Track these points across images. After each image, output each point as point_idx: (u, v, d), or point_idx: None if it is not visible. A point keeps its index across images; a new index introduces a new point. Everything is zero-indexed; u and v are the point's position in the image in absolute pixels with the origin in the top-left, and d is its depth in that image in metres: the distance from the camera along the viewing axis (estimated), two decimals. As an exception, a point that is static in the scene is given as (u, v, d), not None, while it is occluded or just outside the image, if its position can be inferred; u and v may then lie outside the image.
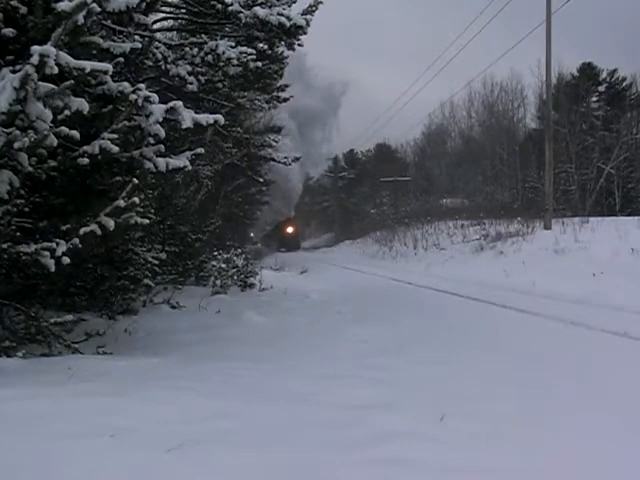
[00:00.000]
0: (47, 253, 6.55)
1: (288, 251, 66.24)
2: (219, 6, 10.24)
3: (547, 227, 24.07)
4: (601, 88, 48.27)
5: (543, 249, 20.60)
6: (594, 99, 47.97)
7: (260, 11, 10.10)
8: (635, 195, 42.56)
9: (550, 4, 24.17)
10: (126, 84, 7.31)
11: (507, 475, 3.93)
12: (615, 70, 47.46)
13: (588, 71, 47.02)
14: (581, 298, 13.25)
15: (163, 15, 11.54)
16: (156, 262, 12.11)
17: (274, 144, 23.55)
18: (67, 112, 6.46)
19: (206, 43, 10.42)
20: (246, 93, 15.16)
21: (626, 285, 13.66)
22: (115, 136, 6.99)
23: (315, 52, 65.37)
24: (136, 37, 9.31)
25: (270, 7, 10.45)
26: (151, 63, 10.18)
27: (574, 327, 10.00)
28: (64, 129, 6.54)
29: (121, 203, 6.80)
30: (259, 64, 10.60)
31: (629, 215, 30.64)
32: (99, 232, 6.73)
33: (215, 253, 17.80)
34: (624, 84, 47.28)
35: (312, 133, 74.31)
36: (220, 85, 11.80)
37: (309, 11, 11.02)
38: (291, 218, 78.67)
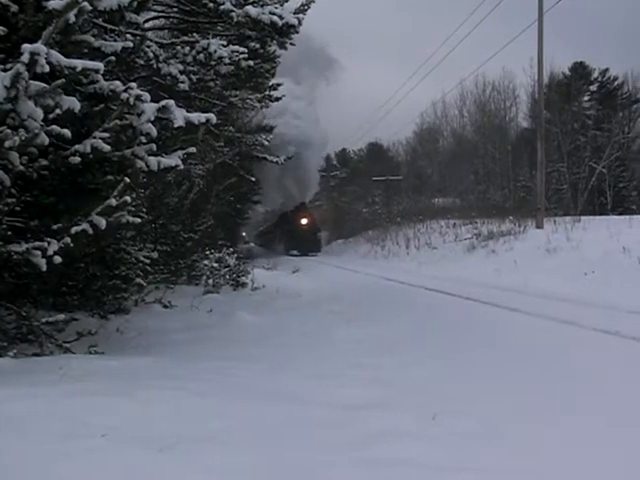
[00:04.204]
0: (38, 252, 6.53)
1: (303, 255, 48.31)
2: (211, 5, 10.21)
3: (539, 226, 24.09)
4: (593, 87, 48.58)
5: (535, 248, 20.63)
6: (586, 98, 48.25)
7: (252, 10, 10.08)
8: (626, 194, 42.81)
9: (542, 3, 24.23)
10: (118, 83, 7.29)
11: (502, 474, 3.93)
12: (607, 69, 47.81)
13: (580, 70, 47.31)
14: (573, 297, 13.29)
15: (155, 14, 11.49)
16: (148, 261, 12.07)
17: (266, 143, 23.55)
18: (58, 111, 6.44)
19: (198, 42, 10.39)
20: (238, 92, 15.13)
21: (617, 284, 13.71)
22: (107, 135, 6.97)
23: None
24: (128, 36, 9.26)
25: (262, 6, 10.43)
26: (143, 62, 10.14)
27: (566, 326, 10.02)
28: (55, 128, 6.52)
29: (113, 202, 6.78)
30: (251, 63, 10.58)
31: (620, 214, 30.78)
32: (90, 231, 6.71)
33: (207, 252, 17.76)
34: (615, 83, 47.60)
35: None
36: (212, 84, 11.78)
37: (301, 10, 11.01)
38: (305, 204, 57.27)
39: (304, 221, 53.23)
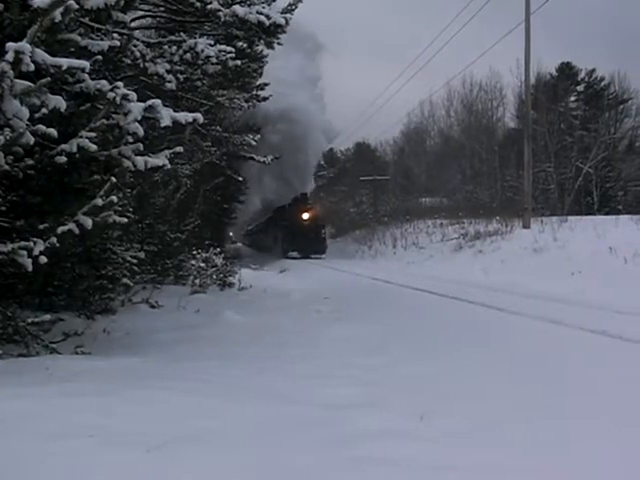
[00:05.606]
0: (24, 252, 6.49)
1: (304, 257, 40.26)
2: (198, 4, 10.19)
3: (526, 226, 24.20)
4: (579, 88, 48.83)
5: (522, 248, 20.72)
6: (572, 99, 48.53)
7: (239, 9, 10.07)
8: (613, 194, 43.04)
9: (529, 4, 24.32)
10: (104, 82, 7.25)
11: (493, 473, 3.92)
12: (593, 70, 48.03)
13: (567, 71, 47.56)
14: (560, 297, 13.31)
15: (142, 13, 11.45)
16: (135, 261, 12.03)
17: (253, 143, 23.57)
18: (44, 110, 6.41)
19: (185, 41, 10.37)
20: (225, 92, 15.10)
21: (604, 284, 13.77)
22: (93, 134, 6.94)
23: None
24: (114, 35, 9.23)
25: (249, 5, 10.43)
26: (129, 61, 10.10)
27: (553, 325, 10.04)
28: (41, 127, 6.49)
29: (99, 202, 6.75)
30: (238, 63, 10.57)
31: (607, 214, 30.99)
32: (77, 231, 6.68)
33: (194, 252, 17.71)
34: (602, 84, 47.83)
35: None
36: (199, 83, 11.74)
37: (289, 10, 11.01)
38: (306, 195, 47.70)
39: (306, 216, 43.53)
